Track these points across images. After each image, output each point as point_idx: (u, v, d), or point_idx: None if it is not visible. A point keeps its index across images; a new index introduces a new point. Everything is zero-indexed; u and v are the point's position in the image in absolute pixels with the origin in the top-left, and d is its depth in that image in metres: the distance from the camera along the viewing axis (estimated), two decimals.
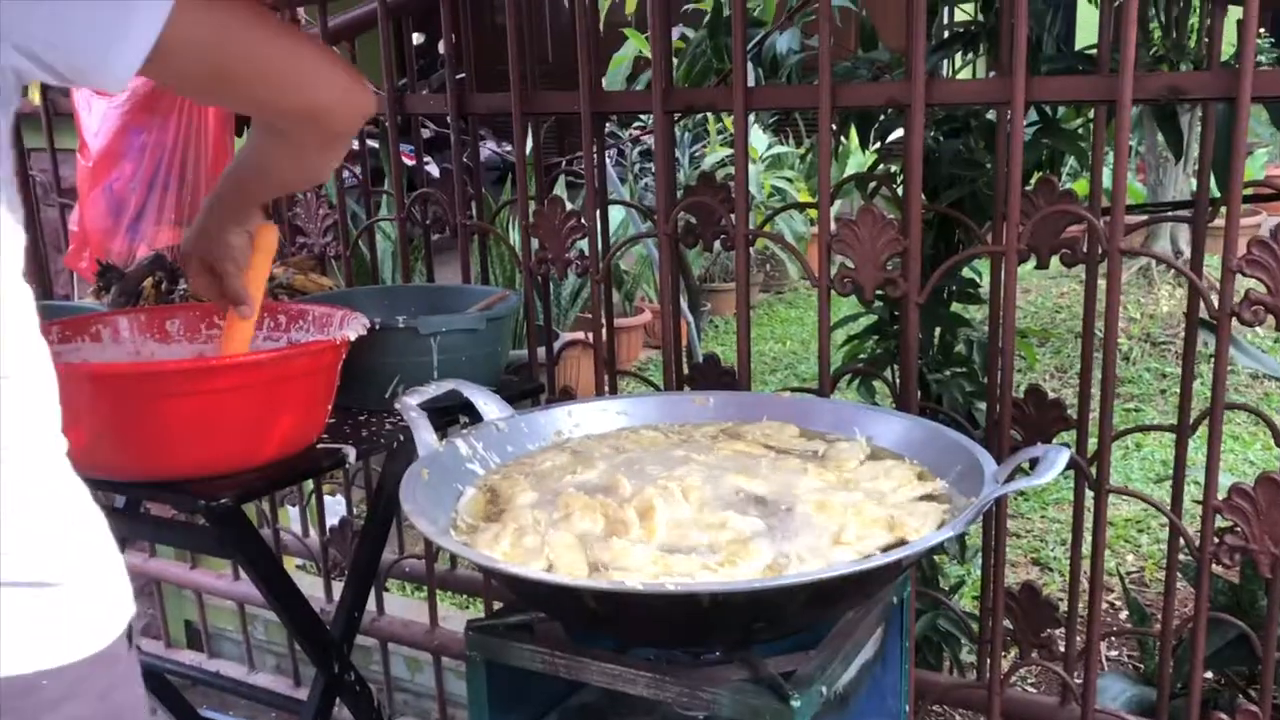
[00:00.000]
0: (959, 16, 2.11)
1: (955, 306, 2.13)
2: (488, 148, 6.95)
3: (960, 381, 2.08)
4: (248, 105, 1.09)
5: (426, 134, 5.42)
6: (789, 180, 5.65)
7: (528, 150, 1.93)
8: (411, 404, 1.38)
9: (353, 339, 1.45)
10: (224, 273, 1.33)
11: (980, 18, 1.89)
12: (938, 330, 2.13)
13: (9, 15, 0.80)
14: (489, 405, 1.45)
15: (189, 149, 2.08)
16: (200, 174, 2.07)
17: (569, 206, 1.86)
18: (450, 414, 1.57)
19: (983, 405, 2.01)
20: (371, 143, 2.29)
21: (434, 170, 6.46)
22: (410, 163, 2.20)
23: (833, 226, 1.60)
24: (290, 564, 2.68)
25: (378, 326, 1.55)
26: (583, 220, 1.84)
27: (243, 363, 1.34)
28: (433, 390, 1.42)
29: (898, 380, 1.71)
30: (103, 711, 0.89)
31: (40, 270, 2.56)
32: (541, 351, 2.05)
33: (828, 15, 1.56)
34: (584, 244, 1.85)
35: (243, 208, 1.28)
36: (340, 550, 2.38)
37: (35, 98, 2.36)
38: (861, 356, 2.20)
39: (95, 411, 1.28)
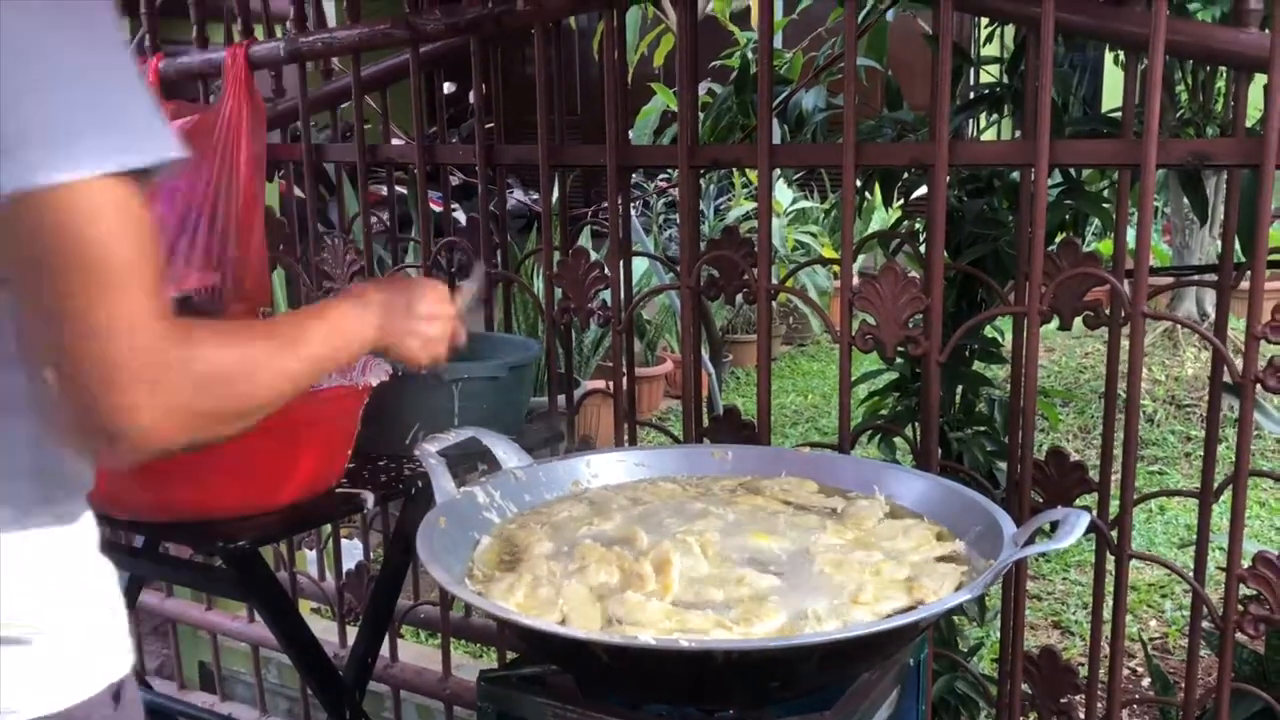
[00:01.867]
0: (984, 78, 2.13)
1: (977, 365, 2.12)
2: (514, 196, 7.02)
3: (981, 441, 2.06)
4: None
5: (455, 181, 5.50)
6: (813, 235, 5.67)
7: (553, 201, 1.95)
8: (431, 451, 1.39)
9: (374, 385, 1.46)
10: None
11: (1005, 80, 1.90)
12: (959, 389, 2.12)
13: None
14: (508, 454, 1.46)
15: (220, 194, 2.11)
16: (231, 218, 2.10)
17: (593, 257, 1.88)
18: (469, 461, 1.58)
19: (1004, 465, 2.00)
20: (400, 189, 2.31)
21: (461, 218, 6.53)
22: (438, 210, 2.22)
23: (855, 282, 1.60)
24: (306, 607, 2.67)
25: (400, 373, 1.56)
26: (606, 271, 1.85)
27: None
28: (452, 437, 1.43)
29: (918, 438, 1.70)
30: None
31: None
32: (562, 400, 2.06)
33: (852, 75, 1.58)
34: (607, 294, 1.86)
35: None
36: (356, 595, 2.37)
37: None
38: (882, 413, 2.19)
39: None
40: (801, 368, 6.54)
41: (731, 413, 1.84)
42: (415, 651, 2.55)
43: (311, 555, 2.79)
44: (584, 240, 4.78)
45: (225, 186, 2.12)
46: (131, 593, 2.05)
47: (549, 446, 1.88)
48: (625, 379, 1.91)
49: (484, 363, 1.72)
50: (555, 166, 1.89)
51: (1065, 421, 4.76)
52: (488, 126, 1.98)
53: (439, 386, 1.64)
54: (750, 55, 2.33)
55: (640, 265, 4.52)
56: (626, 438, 1.93)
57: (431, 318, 1.22)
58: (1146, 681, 2.82)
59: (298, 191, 2.36)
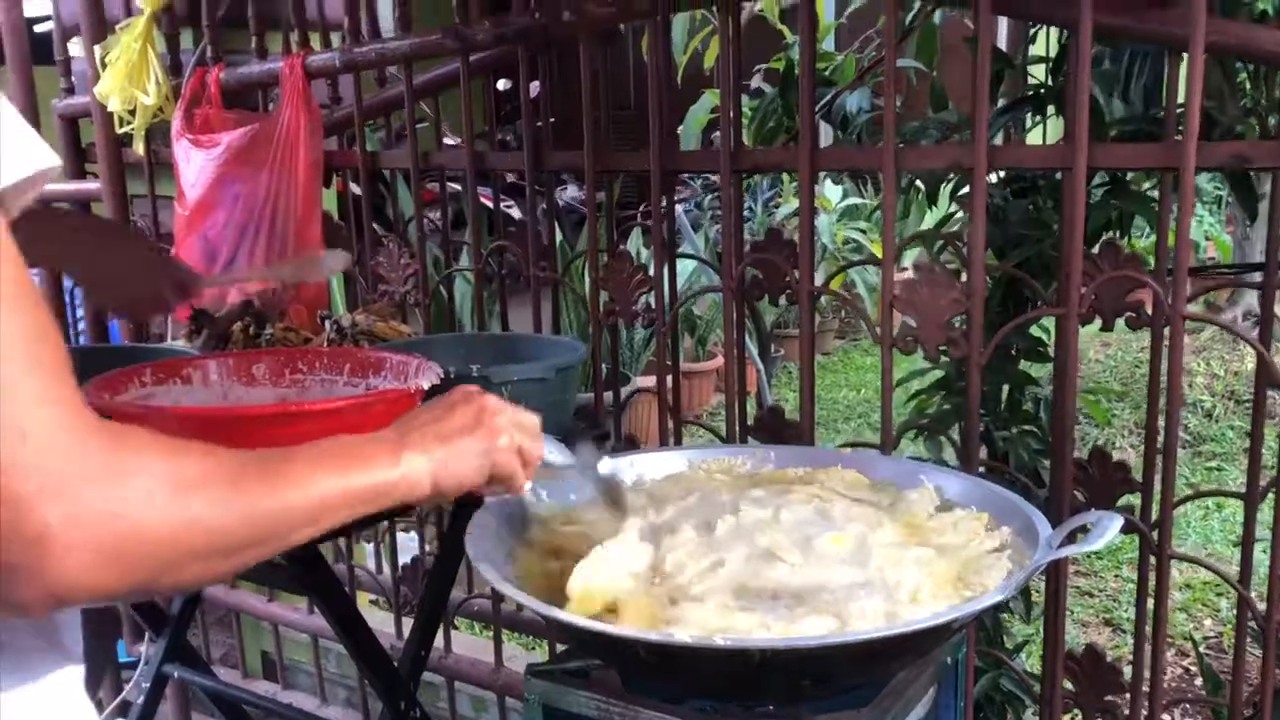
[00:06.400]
0: (1033, 76, 2.13)
1: (1023, 364, 2.12)
2: (567, 196, 7.07)
3: (1027, 440, 2.07)
4: None
5: (510, 178, 5.54)
6: (863, 231, 5.65)
7: (600, 200, 1.99)
8: None
9: (426, 387, 1.51)
10: None
11: (1050, 80, 1.90)
12: (1005, 387, 2.13)
13: None
14: (552, 452, 1.50)
15: (279, 199, 2.18)
16: (289, 224, 2.17)
17: (638, 260, 1.92)
18: None
19: (1049, 464, 2.00)
20: (454, 185, 2.36)
21: (515, 214, 6.60)
22: (490, 205, 2.27)
23: (907, 274, 1.62)
24: (363, 599, 2.75)
25: (452, 375, 1.60)
26: (650, 273, 1.88)
27: (323, 409, 1.40)
28: None
29: (961, 438, 1.71)
30: None
31: None
32: (609, 397, 2.10)
33: (893, 79, 1.60)
34: (652, 296, 1.90)
35: None
36: (411, 588, 2.44)
37: (139, 149, 2.49)
38: (928, 411, 2.20)
39: None
40: (855, 362, 6.53)
41: (776, 411, 1.87)
42: (468, 643, 2.62)
43: (369, 548, 2.86)
44: (634, 239, 4.82)
45: (284, 192, 2.19)
46: None
47: (595, 446, 1.92)
48: (670, 378, 1.95)
49: (532, 364, 1.77)
50: (601, 172, 1.93)
51: (1120, 417, 4.71)
52: (538, 124, 2.02)
53: (490, 388, 1.68)
54: (796, 58, 2.34)
55: (689, 262, 4.55)
56: (672, 437, 1.97)
57: (477, 426, 1.01)
58: (1200, 681, 2.80)
59: (354, 187, 2.42)
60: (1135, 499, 1.61)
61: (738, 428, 1.88)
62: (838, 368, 6.40)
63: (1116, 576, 3.48)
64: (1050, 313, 1.58)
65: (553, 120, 2.16)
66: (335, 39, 2.33)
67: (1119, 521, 1.13)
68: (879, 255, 1.70)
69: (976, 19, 1.53)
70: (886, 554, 1.21)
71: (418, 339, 2.00)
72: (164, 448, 0.68)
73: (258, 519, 0.74)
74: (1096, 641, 2.90)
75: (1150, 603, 1.62)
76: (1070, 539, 1.19)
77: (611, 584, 1.16)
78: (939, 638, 1.15)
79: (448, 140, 2.74)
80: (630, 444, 2.08)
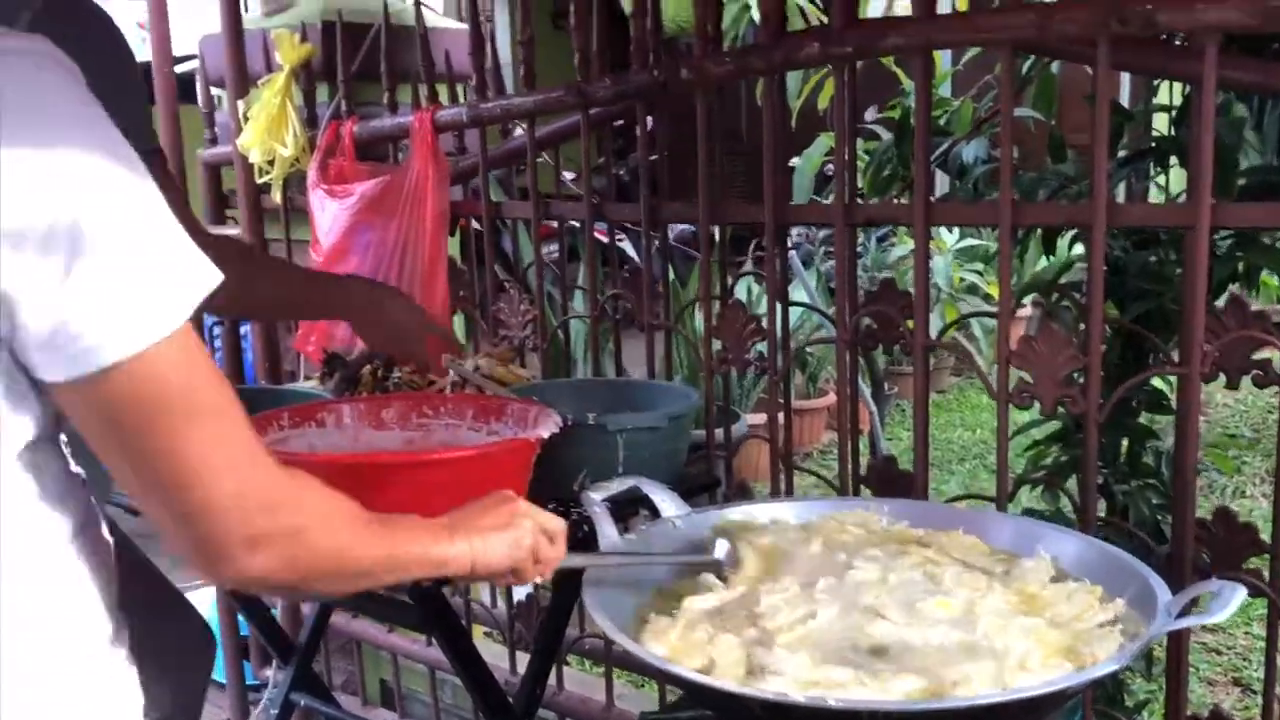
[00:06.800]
0: (1158, 121, 2.09)
1: (1144, 417, 2.08)
2: (678, 229, 7.12)
3: (1148, 494, 2.03)
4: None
5: None
6: (979, 273, 5.56)
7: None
8: (595, 499, 1.48)
9: (545, 436, 1.57)
10: None
11: (1174, 131, 1.88)
12: (1125, 440, 2.09)
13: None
14: (666, 502, 1.54)
15: (408, 248, 2.28)
16: (417, 271, 2.27)
17: (749, 304, 1.94)
18: (632, 507, 1.66)
19: (1171, 520, 1.96)
20: (572, 222, 2.43)
21: (628, 248, 6.67)
22: (604, 240, 2.33)
23: (1025, 311, 1.62)
24: (478, 632, 2.82)
25: (569, 423, 1.66)
26: (763, 323, 1.91)
27: (449, 458, 1.47)
28: (615, 486, 1.52)
29: (1079, 493, 1.69)
30: None
31: (271, 349, 2.82)
32: (720, 435, 2.13)
33: (1009, 132, 1.59)
34: (764, 345, 1.93)
35: None
36: (526, 625, 2.50)
37: (276, 197, 2.63)
38: (1045, 463, 2.17)
39: None
40: (970, 400, 6.40)
41: (889, 462, 1.87)
42: (579, 679, 2.66)
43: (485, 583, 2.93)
44: (746, 280, 4.83)
45: (412, 241, 2.29)
46: (322, 617, 2.23)
47: (707, 492, 1.96)
48: (783, 424, 1.97)
49: (646, 413, 1.81)
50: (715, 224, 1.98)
51: (1252, 464, 4.53)
52: (652, 158, 2.06)
53: (605, 435, 1.74)
54: (911, 106, 2.35)
55: (801, 298, 4.54)
56: (783, 485, 1.99)
57: (507, 525, 1.20)
58: None
59: (475, 224, 2.50)
60: (1264, 560, 1.57)
61: (850, 479, 1.88)
62: (953, 406, 6.29)
63: (1246, 634, 3.35)
64: (1171, 371, 1.56)
65: (665, 154, 2.20)
66: (460, 91, 2.43)
67: (1242, 593, 1.11)
68: (995, 296, 1.69)
69: (1095, 76, 1.53)
70: (994, 621, 1.20)
71: (536, 384, 2.07)
72: (326, 490, 0.98)
73: (376, 559, 1.03)
74: (1222, 703, 2.80)
75: None
76: (1191, 605, 1.17)
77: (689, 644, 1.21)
78: (1053, 704, 1.15)
79: (565, 175, 2.83)
80: (742, 491, 2.11)
